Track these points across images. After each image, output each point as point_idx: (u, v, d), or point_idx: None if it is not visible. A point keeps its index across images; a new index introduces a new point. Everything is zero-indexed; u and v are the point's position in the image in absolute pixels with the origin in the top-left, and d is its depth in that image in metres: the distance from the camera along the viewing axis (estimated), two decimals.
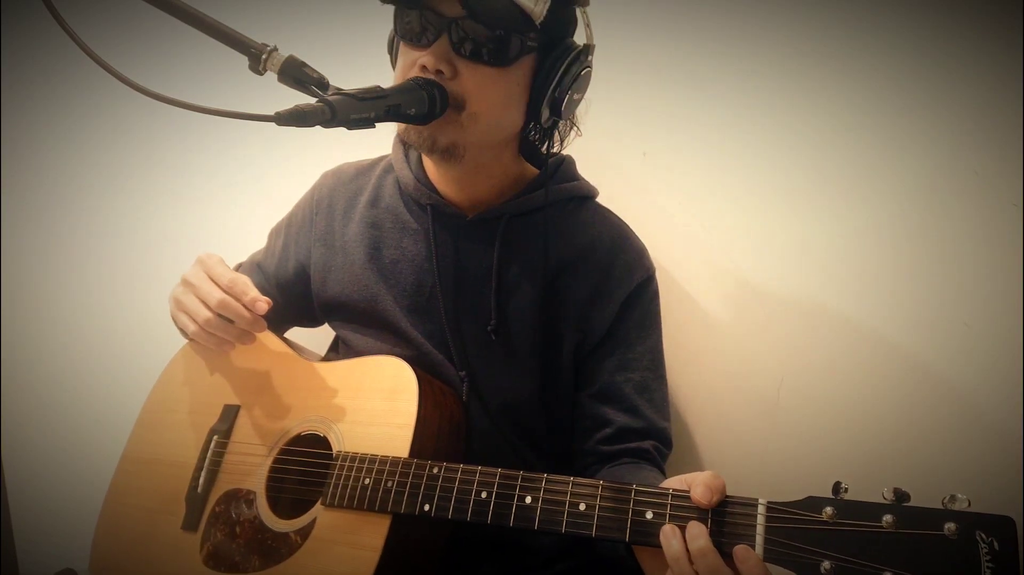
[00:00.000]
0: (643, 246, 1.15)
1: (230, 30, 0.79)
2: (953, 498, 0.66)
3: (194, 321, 1.05)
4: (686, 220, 1.29)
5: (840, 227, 1.16)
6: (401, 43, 0.98)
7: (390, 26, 1.01)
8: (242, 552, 1.00)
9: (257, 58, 0.79)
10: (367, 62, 1.16)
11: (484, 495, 0.87)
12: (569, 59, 0.97)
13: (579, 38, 1.01)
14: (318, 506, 0.97)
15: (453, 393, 1.06)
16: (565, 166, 1.15)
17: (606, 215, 1.16)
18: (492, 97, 0.97)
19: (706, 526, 0.75)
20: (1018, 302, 1.03)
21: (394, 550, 0.91)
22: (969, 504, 0.65)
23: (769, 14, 1.20)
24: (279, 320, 1.22)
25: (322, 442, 1.02)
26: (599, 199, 1.18)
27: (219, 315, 1.03)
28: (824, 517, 0.70)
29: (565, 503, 0.83)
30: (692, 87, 1.27)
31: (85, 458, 1.71)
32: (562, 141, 1.15)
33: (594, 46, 1.00)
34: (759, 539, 0.73)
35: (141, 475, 1.16)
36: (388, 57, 1.05)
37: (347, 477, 0.95)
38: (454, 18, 0.92)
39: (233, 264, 1.23)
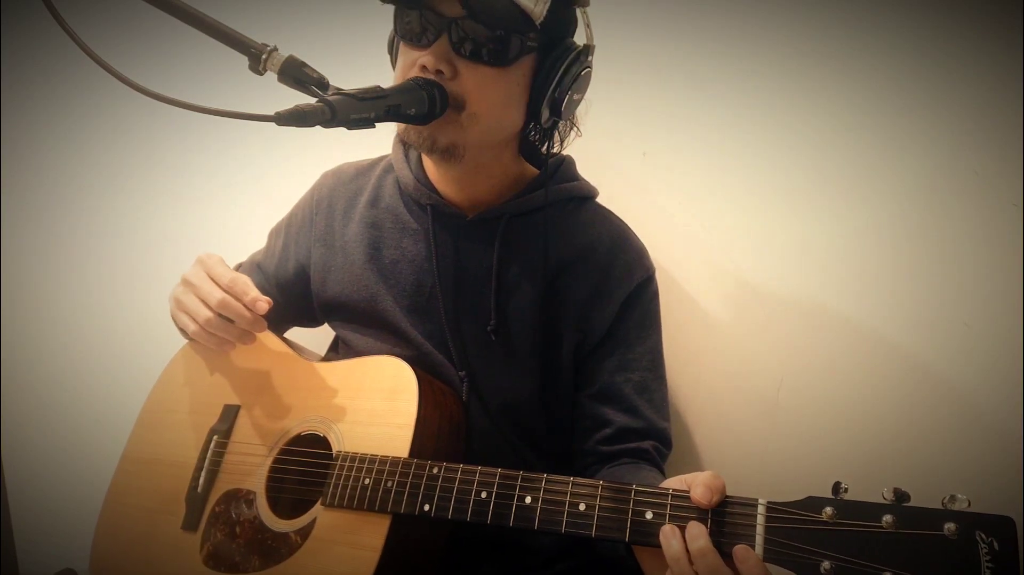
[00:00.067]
0: (643, 246, 1.15)
1: (230, 30, 0.79)
2: (953, 498, 0.66)
3: (195, 321, 1.06)
4: (686, 220, 1.29)
5: (840, 227, 1.16)
6: (401, 43, 0.98)
7: (390, 26, 1.01)
8: (242, 552, 1.00)
9: (257, 58, 0.79)
10: (367, 62, 1.16)
11: (484, 495, 0.87)
12: (569, 59, 0.97)
13: (579, 38, 1.01)
14: (318, 506, 0.97)
15: (453, 393, 1.06)
16: (565, 166, 1.15)
17: (606, 215, 1.16)
18: (492, 97, 0.97)
19: (706, 526, 0.75)
20: (1018, 302, 1.03)
21: (394, 550, 0.91)
22: (969, 504, 0.65)
23: (769, 14, 1.20)
24: (279, 320, 1.22)
25: (322, 442, 1.02)
26: (599, 199, 1.18)
27: (219, 315, 1.03)
28: (824, 517, 0.70)
29: (565, 503, 0.83)
30: (692, 87, 1.27)
31: (85, 458, 1.71)
32: (562, 141, 1.15)
33: (594, 46, 1.00)
34: (759, 539, 0.73)
35: (141, 475, 1.16)
36: (388, 57, 1.05)
37: (347, 477, 0.95)
38: (454, 18, 0.92)
39: (233, 264, 1.23)
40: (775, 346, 1.22)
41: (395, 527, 0.91)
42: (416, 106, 0.91)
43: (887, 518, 0.68)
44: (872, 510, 0.69)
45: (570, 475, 0.84)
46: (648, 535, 0.78)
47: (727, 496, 0.76)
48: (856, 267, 1.14)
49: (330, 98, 0.81)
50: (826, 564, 0.69)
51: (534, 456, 1.10)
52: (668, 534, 0.76)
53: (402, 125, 1.00)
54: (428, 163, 1.13)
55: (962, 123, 1.06)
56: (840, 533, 0.69)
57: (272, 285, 1.23)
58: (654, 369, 1.11)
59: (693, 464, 1.29)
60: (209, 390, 1.18)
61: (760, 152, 1.22)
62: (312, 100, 0.80)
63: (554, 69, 0.96)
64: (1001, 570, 0.63)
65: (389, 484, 0.92)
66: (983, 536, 0.64)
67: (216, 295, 1.02)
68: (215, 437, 1.11)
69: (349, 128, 0.84)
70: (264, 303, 1.01)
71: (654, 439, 1.07)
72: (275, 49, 0.79)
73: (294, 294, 1.21)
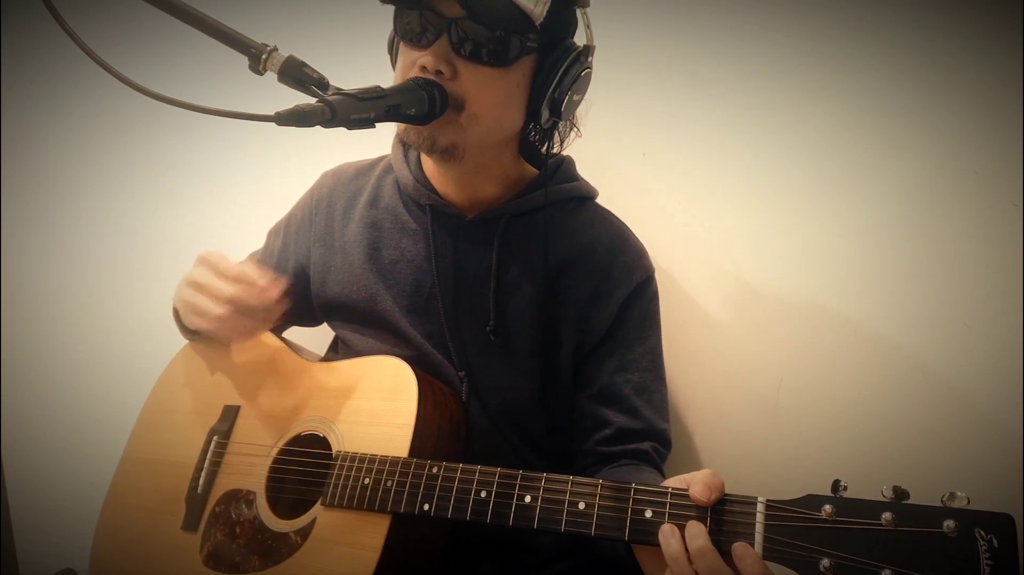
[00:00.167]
0: (642, 247, 1.15)
1: (230, 30, 0.79)
2: (952, 496, 0.66)
3: (209, 320, 1.03)
4: (686, 220, 1.29)
5: (840, 227, 1.16)
6: (401, 43, 0.99)
7: (390, 26, 1.01)
8: (242, 552, 1.00)
9: (257, 58, 0.79)
10: (367, 62, 1.16)
11: (483, 494, 0.87)
12: (569, 60, 0.97)
13: (579, 39, 1.01)
14: (318, 506, 0.97)
15: (453, 393, 1.06)
16: (565, 167, 1.15)
17: (605, 216, 1.16)
18: (492, 98, 0.97)
19: (705, 525, 0.75)
20: (1018, 302, 1.03)
21: (394, 550, 0.91)
22: (968, 502, 0.65)
23: (769, 14, 1.20)
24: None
25: (322, 442, 1.02)
26: (599, 199, 1.18)
27: (234, 310, 1.01)
28: (823, 515, 0.70)
29: (564, 502, 0.83)
30: (692, 87, 1.28)
31: (85, 458, 1.71)
32: (562, 142, 1.15)
33: (594, 47, 1.00)
34: (758, 537, 0.73)
35: (141, 475, 1.16)
36: (388, 57, 1.05)
37: (347, 477, 0.95)
38: (454, 19, 0.92)
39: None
40: (775, 346, 1.22)
41: (395, 527, 0.91)
42: (416, 106, 0.91)
43: (886, 516, 0.68)
44: (871, 508, 0.69)
45: (570, 475, 0.84)
46: (647, 534, 0.78)
47: (726, 495, 0.76)
48: (856, 267, 1.14)
49: (330, 98, 0.81)
50: (826, 562, 0.69)
51: (534, 456, 1.10)
52: (667, 533, 0.76)
53: (402, 125, 1.00)
54: (428, 163, 1.13)
55: (962, 123, 1.06)
56: (840, 531, 0.69)
57: None
58: (654, 370, 1.11)
59: (693, 464, 1.29)
60: (209, 390, 1.18)
61: (760, 152, 1.22)
62: (312, 100, 0.80)
63: (554, 70, 0.96)
64: (1000, 567, 0.63)
65: (389, 484, 0.92)
66: (982, 533, 0.64)
67: (227, 291, 1.00)
68: (215, 437, 1.11)
69: (349, 128, 0.84)
70: (276, 290, 1.00)
71: (653, 440, 1.07)
72: (275, 49, 0.79)
73: (293, 294, 1.21)
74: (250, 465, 1.06)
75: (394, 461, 0.93)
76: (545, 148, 1.09)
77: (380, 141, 1.16)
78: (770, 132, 1.21)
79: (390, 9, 0.98)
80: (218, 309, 1.01)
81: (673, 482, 0.81)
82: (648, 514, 0.78)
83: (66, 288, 1.83)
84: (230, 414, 1.13)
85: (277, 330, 1.23)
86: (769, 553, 0.72)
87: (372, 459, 0.95)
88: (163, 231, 1.74)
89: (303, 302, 1.21)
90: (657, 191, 1.31)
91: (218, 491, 1.07)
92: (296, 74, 0.80)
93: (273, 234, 1.29)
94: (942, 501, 0.66)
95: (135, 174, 1.77)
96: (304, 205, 1.24)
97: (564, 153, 1.17)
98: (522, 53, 0.95)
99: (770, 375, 1.22)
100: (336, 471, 0.97)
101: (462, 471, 0.89)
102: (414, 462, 0.92)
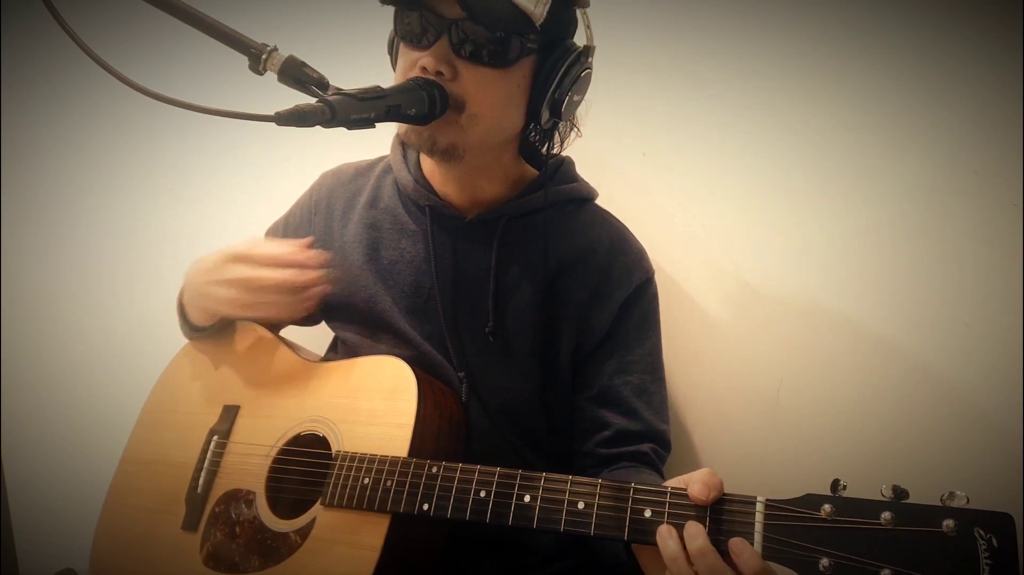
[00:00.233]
0: (642, 248, 1.15)
1: (230, 30, 0.79)
2: (952, 495, 0.66)
3: (263, 310, 1.05)
4: (686, 220, 1.29)
5: (840, 227, 1.16)
6: (401, 44, 0.98)
7: (390, 26, 1.01)
8: (242, 552, 1.00)
9: (257, 58, 0.79)
10: (367, 62, 1.16)
11: (483, 494, 0.87)
12: (569, 61, 0.97)
13: (579, 39, 1.01)
14: (317, 506, 0.97)
15: (453, 393, 1.06)
16: (564, 167, 1.15)
17: (605, 217, 1.16)
18: (492, 98, 0.97)
19: (704, 525, 0.75)
20: (1018, 302, 1.03)
21: (393, 549, 0.91)
22: (968, 501, 0.65)
23: (769, 14, 1.20)
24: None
25: (321, 442, 1.02)
26: (599, 200, 1.18)
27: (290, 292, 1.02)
28: (823, 514, 0.70)
29: (564, 502, 0.83)
30: (692, 87, 1.28)
31: (85, 458, 1.71)
32: (562, 142, 1.15)
33: (594, 48, 1.00)
34: (758, 537, 0.73)
35: (141, 475, 1.16)
36: (388, 57, 1.05)
37: (346, 477, 0.95)
38: (454, 19, 0.92)
39: None
40: (775, 346, 1.22)
41: (394, 526, 0.91)
42: (416, 106, 0.91)
43: (886, 515, 0.67)
44: (871, 507, 0.69)
45: (569, 475, 0.84)
46: (647, 534, 0.78)
47: (725, 494, 0.76)
48: (856, 267, 1.14)
49: (330, 98, 0.81)
50: (825, 561, 0.69)
51: (534, 456, 1.10)
52: (664, 535, 0.76)
53: (402, 126, 1.00)
54: (427, 164, 1.13)
55: (962, 123, 1.06)
56: (839, 530, 0.69)
57: None
58: (653, 371, 1.11)
59: (693, 464, 1.29)
60: (209, 390, 1.18)
61: (760, 152, 1.22)
62: (312, 100, 0.80)
63: (554, 70, 0.96)
64: (1000, 567, 0.63)
65: (388, 484, 0.92)
66: (982, 533, 0.64)
67: (277, 277, 1.01)
68: (215, 437, 1.11)
69: (349, 128, 0.84)
70: (317, 255, 1.03)
71: (653, 442, 1.07)
72: (275, 49, 0.79)
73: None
74: (250, 465, 1.06)
75: (394, 461, 0.93)
76: (545, 149, 1.09)
77: (380, 141, 1.16)
78: (770, 132, 1.21)
79: (390, 9, 0.98)
80: (269, 297, 1.02)
81: (672, 483, 0.81)
82: (647, 514, 0.78)
83: (66, 288, 1.84)
84: (230, 414, 1.13)
85: (276, 330, 1.23)
86: (768, 553, 0.72)
87: (372, 459, 0.95)
88: (163, 231, 1.74)
89: None
90: (657, 191, 1.31)
91: (218, 491, 1.07)
92: (296, 74, 0.80)
93: (270, 233, 1.29)
94: (941, 500, 0.66)
95: (135, 174, 1.77)
96: (303, 205, 1.24)
97: (564, 154, 1.17)
98: (522, 54, 0.95)
99: (770, 375, 1.22)
100: (336, 471, 0.97)
101: (461, 471, 0.89)
102: (413, 462, 0.92)
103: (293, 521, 0.98)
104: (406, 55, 0.97)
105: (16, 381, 1.82)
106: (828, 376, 1.17)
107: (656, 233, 1.21)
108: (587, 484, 0.83)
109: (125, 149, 1.77)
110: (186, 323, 1.20)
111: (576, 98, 1.01)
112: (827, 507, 0.70)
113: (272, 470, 1.05)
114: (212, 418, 1.14)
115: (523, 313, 1.07)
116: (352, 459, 0.96)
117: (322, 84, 0.82)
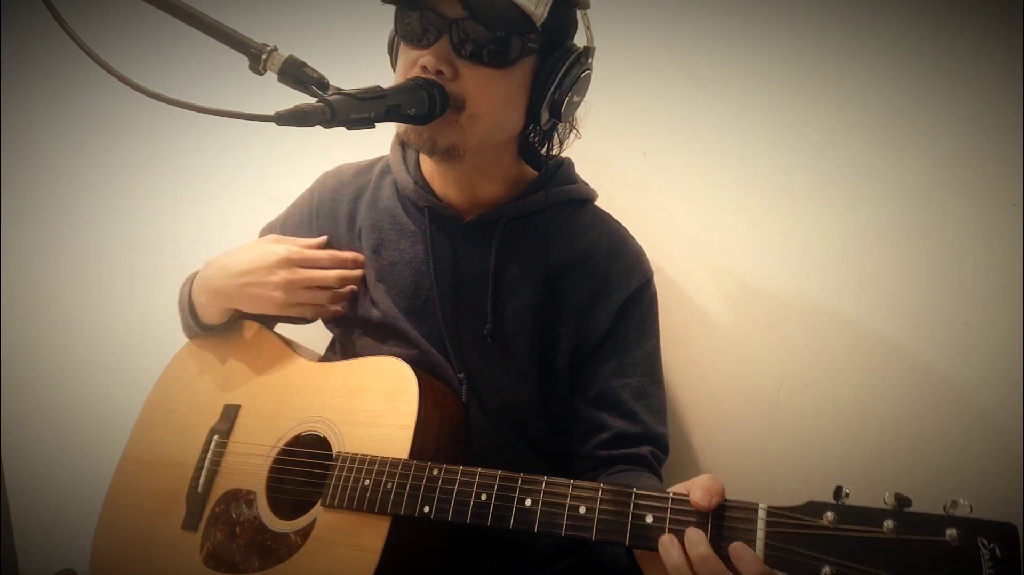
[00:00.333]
0: (641, 250, 1.14)
1: (230, 30, 0.79)
2: (955, 503, 0.65)
3: (323, 307, 1.14)
4: (686, 220, 1.29)
5: (840, 227, 1.16)
6: (402, 43, 0.98)
7: (390, 26, 1.01)
8: (242, 552, 1.00)
9: (257, 58, 0.79)
10: (367, 62, 1.15)
11: (484, 497, 0.87)
12: (569, 61, 0.97)
13: (579, 40, 1.01)
14: (318, 507, 0.97)
15: (453, 394, 1.06)
16: (564, 168, 1.15)
17: (604, 218, 1.16)
18: (492, 98, 0.96)
19: (706, 531, 0.74)
20: (1018, 302, 1.03)
21: (394, 551, 0.91)
22: (971, 510, 0.65)
23: (769, 14, 1.20)
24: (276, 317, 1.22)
25: (322, 443, 1.02)
26: (599, 200, 1.18)
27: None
28: (825, 522, 0.70)
29: (565, 506, 0.82)
30: (692, 87, 1.27)
31: (85, 458, 1.71)
32: (561, 143, 1.15)
33: (594, 48, 1.00)
34: (759, 544, 0.72)
35: (141, 475, 1.16)
36: (388, 57, 1.05)
37: (347, 478, 0.95)
38: (455, 19, 0.92)
39: None
40: (775, 346, 1.22)
41: (395, 528, 0.91)
42: (416, 106, 0.91)
43: (888, 524, 0.67)
44: (873, 515, 0.68)
45: (570, 477, 0.84)
46: (648, 539, 0.77)
47: (727, 501, 0.76)
48: (856, 267, 1.14)
49: (330, 98, 0.81)
50: (827, 569, 0.68)
51: (533, 457, 1.10)
52: (666, 544, 0.75)
53: (402, 126, 1.00)
54: (427, 165, 1.13)
55: (962, 123, 1.06)
56: (841, 538, 0.69)
57: None
58: (652, 374, 1.11)
59: (693, 465, 1.29)
60: (209, 390, 1.18)
61: (760, 152, 1.22)
62: (312, 100, 0.80)
63: (554, 71, 0.96)
64: None
65: (389, 485, 0.92)
66: (985, 543, 0.63)
67: (334, 275, 1.12)
68: (215, 437, 1.11)
69: (349, 128, 0.84)
70: (356, 254, 1.14)
71: (651, 444, 1.07)
72: (275, 49, 0.79)
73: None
74: (250, 465, 1.06)
75: (394, 462, 0.93)
76: (545, 149, 1.09)
77: (380, 141, 1.16)
78: (770, 132, 1.21)
79: (390, 9, 0.98)
80: (326, 294, 1.13)
81: (674, 489, 0.80)
82: (649, 519, 0.78)
83: (66, 288, 1.83)
84: (230, 414, 1.13)
85: (276, 329, 1.23)
86: (770, 560, 0.71)
87: (372, 460, 0.95)
88: (163, 231, 1.74)
89: None
90: (657, 191, 1.31)
91: (218, 491, 1.07)
92: (296, 74, 0.80)
93: (267, 231, 1.28)
94: (944, 509, 0.66)
95: (135, 174, 1.77)
96: (303, 205, 1.24)
97: (564, 154, 1.16)
98: (523, 54, 0.95)
99: (770, 375, 1.22)
100: (336, 472, 0.96)
101: (462, 474, 0.89)
102: (414, 464, 0.92)
103: (293, 522, 0.98)
104: (406, 54, 0.97)
105: (16, 381, 1.82)
106: (828, 376, 1.17)
107: (656, 233, 1.21)
108: (588, 488, 0.82)
109: (125, 149, 1.77)
110: (195, 322, 1.20)
111: (576, 99, 1.01)
112: (829, 515, 0.70)
113: (273, 470, 1.05)
114: (212, 418, 1.14)
115: (522, 314, 1.07)
116: (353, 460, 0.96)
117: (322, 84, 0.82)
